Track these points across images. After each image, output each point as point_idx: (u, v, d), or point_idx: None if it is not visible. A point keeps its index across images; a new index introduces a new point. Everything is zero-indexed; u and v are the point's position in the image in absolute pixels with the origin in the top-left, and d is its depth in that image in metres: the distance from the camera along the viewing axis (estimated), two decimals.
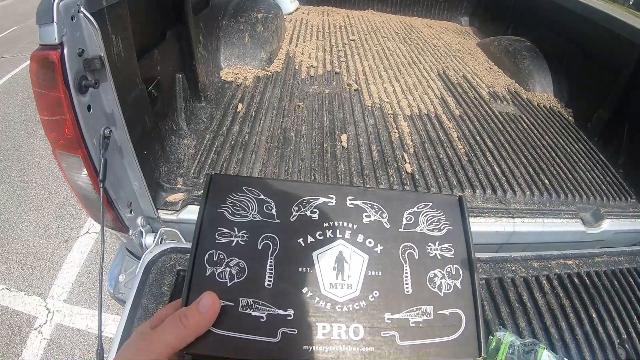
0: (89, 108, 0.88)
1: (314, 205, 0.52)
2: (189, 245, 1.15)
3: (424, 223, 0.53)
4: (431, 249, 0.51)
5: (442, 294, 0.48)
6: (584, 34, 2.09)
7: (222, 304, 0.43)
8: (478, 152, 1.58)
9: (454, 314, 0.47)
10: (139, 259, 1.18)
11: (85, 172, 0.95)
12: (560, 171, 1.54)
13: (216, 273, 0.46)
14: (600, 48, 1.97)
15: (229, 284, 0.45)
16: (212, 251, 0.47)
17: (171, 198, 1.22)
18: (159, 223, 1.18)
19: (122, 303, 1.24)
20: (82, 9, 0.82)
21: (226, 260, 0.46)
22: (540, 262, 1.08)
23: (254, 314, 0.44)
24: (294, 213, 0.51)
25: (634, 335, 0.95)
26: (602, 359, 0.90)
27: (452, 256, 0.51)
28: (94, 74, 0.88)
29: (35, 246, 2.39)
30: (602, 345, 0.92)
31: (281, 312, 0.44)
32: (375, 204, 0.53)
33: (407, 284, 0.48)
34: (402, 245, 0.51)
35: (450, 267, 0.50)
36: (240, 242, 0.48)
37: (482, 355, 0.45)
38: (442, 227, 0.53)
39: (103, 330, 1.92)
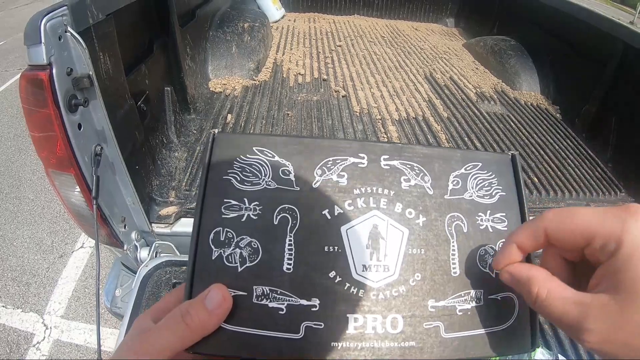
0: (79, 126, 0.89)
1: (342, 167, 0.42)
2: (184, 257, 1.15)
3: (473, 188, 0.44)
4: (482, 220, 0.43)
5: (493, 275, 0.40)
6: (569, 30, 2.13)
7: (233, 293, 0.36)
8: None
9: (507, 299, 0.40)
10: (135, 273, 1.19)
11: (78, 189, 0.95)
12: (549, 168, 1.56)
13: (224, 256, 0.38)
14: (584, 44, 2.01)
15: (239, 269, 0.37)
16: (218, 229, 0.38)
17: (164, 211, 1.23)
18: (153, 237, 1.19)
19: (120, 317, 1.24)
20: (69, 29, 0.83)
21: (236, 240, 0.38)
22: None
23: (271, 305, 0.37)
24: (317, 178, 0.41)
25: None
26: (597, 358, 0.92)
27: (505, 228, 0.42)
28: (83, 93, 0.89)
29: (30, 262, 2.38)
30: None
31: (304, 302, 0.37)
32: (415, 164, 0.43)
33: (454, 263, 0.40)
34: (449, 215, 0.42)
35: (503, 242, 0.41)
36: (251, 216, 0.39)
37: (537, 346, 0.40)
38: (493, 193, 0.44)
39: (102, 344, 1.92)
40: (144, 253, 1.18)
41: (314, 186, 0.41)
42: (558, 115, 2.04)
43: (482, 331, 0.39)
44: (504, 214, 0.43)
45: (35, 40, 0.78)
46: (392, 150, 0.44)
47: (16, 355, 1.91)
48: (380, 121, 1.79)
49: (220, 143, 0.42)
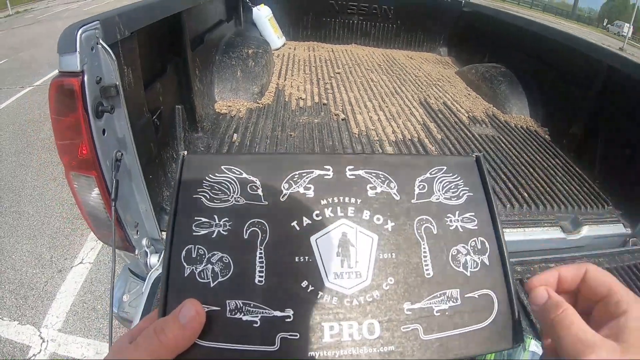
0: (103, 132, 0.95)
1: (308, 179, 0.44)
2: None
3: (439, 191, 0.45)
4: (451, 221, 0.44)
5: (468, 274, 0.41)
6: (556, 57, 2.25)
7: (207, 309, 0.36)
8: None
9: (484, 296, 0.41)
10: (142, 279, 1.23)
11: (97, 191, 1.01)
12: (538, 185, 1.63)
13: (196, 272, 0.38)
14: (570, 69, 2.12)
15: (212, 285, 0.38)
16: (189, 246, 0.39)
17: None
18: (162, 244, 1.23)
19: (126, 322, 1.27)
20: (101, 41, 0.91)
21: (207, 256, 0.39)
22: (523, 266, 1.16)
23: (245, 318, 0.37)
24: (284, 191, 0.43)
25: None
26: None
27: (476, 227, 0.44)
28: (109, 101, 0.96)
29: (28, 276, 2.40)
30: None
31: (278, 313, 0.37)
32: (380, 172, 0.45)
33: (426, 265, 0.41)
34: (417, 219, 0.43)
35: (474, 241, 0.43)
36: (222, 232, 0.40)
37: (520, 341, 0.40)
38: (460, 194, 0.45)
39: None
40: (153, 259, 1.21)
41: (281, 199, 0.42)
42: (547, 136, 2.14)
43: (462, 330, 0.39)
44: (473, 214, 0.45)
45: (71, 48, 0.85)
46: (356, 160, 0.46)
47: None
48: (378, 142, 1.87)
49: (190, 163, 0.43)
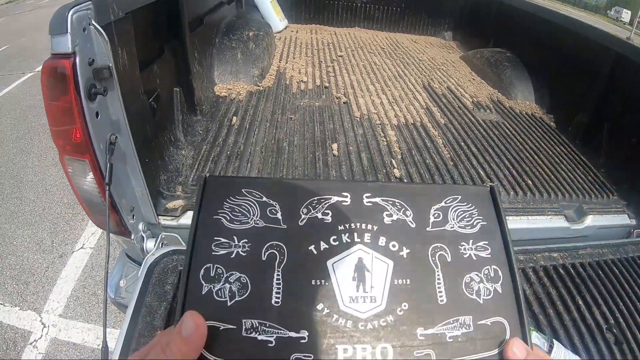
0: (97, 114, 0.93)
1: (326, 205, 0.45)
2: None
3: (454, 219, 0.47)
4: (465, 249, 0.45)
5: (481, 301, 0.42)
6: (562, 43, 2.21)
7: (222, 327, 0.38)
8: (463, 156, 1.65)
9: (497, 324, 0.41)
10: (140, 264, 1.22)
11: (92, 176, 0.99)
12: (543, 172, 1.61)
13: (214, 291, 0.39)
14: (577, 55, 2.08)
15: (229, 303, 0.39)
16: (208, 265, 0.40)
17: (171, 205, 1.26)
18: (159, 229, 1.22)
19: (123, 308, 1.26)
20: (93, 22, 0.88)
21: (225, 275, 0.40)
22: (525, 255, 1.14)
23: (260, 337, 0.38)
24: (303, 216, 0.44)
25: (621, 320, 0.99)
26: (591, 342, 0.95)
27: (489, 255, 0.45)
28: (102, 83, 0.93)
29: (29, 261, 2.40)
30: (590, 330, 0.97)
31: (293, 334, 0.38)
32: (396, 200, 0.47)
33: (440, 292, 0.42)
34: (432, 246, 0.45)
35: (488, 269, 0.44)
36: (241, 252, 0.41)
37: None
38: (474, 223, 0.47)
39: (99, 344, 1.92)
40: (150, 244, 1.20)
41: (300, 224, 0.44)
42: (552, 123, 2.10)
43: (474, 357, 0.40)
44: (487, 242, 0.46)
45: (62, 30, 0.82)
46: (374, 188, 0.47)
47: (12, 353, 1.92)
48: (379, 126, 1.85)
49: (211, 185, 0.45)
